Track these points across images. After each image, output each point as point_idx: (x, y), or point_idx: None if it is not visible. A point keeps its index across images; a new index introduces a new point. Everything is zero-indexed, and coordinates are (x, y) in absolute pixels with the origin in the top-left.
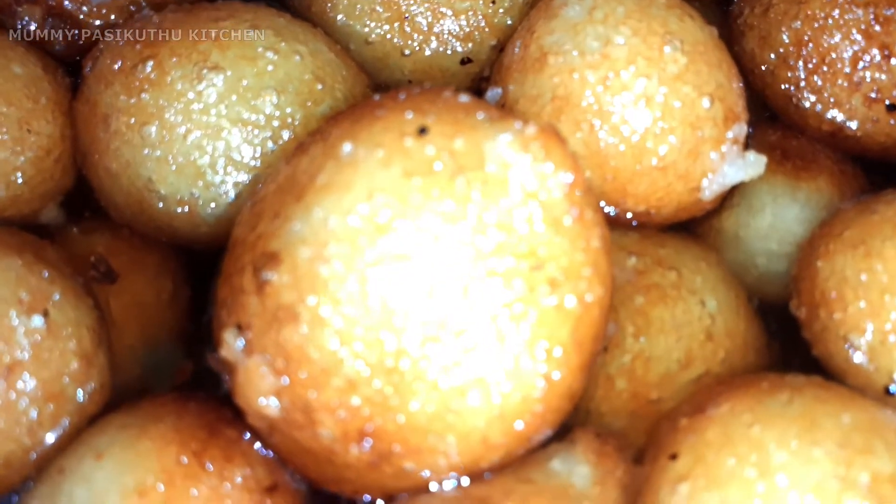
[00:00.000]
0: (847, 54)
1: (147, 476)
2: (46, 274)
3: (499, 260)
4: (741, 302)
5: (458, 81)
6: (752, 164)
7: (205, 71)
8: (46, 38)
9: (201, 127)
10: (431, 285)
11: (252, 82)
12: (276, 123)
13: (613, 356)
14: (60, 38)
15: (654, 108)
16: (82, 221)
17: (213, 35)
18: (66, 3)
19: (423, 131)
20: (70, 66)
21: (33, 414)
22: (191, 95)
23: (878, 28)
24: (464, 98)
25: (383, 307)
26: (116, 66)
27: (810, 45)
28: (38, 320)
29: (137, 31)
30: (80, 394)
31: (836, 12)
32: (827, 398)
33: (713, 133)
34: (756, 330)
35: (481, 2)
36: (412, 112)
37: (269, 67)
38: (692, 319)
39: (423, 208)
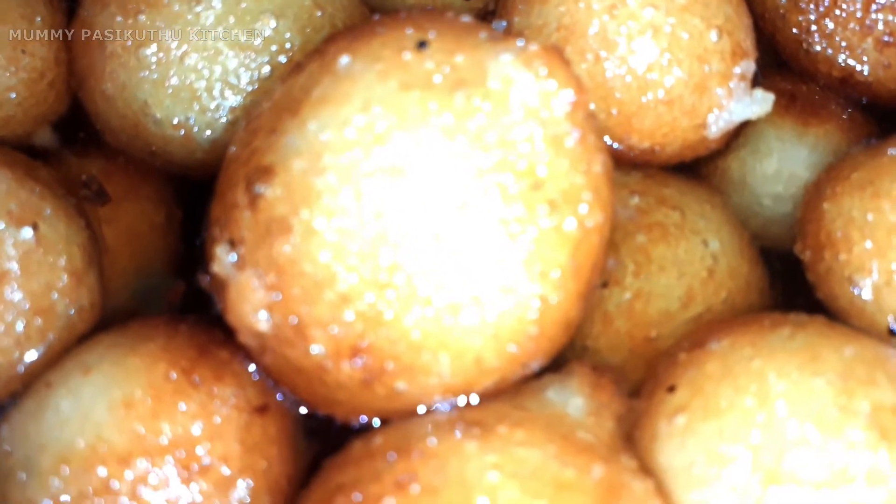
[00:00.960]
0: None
1: (135, 390)
2: (37, 190)
3: (497, 177)
4: (745, 244)
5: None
6: (760, 102)
7: None
8: None
9: (198, 50)
10: (428, 199)
11: (250, 5)
12: (273, 48)
13: (612, 293)
14: None
15: (660, 38)
16: (77, 146)
17: None
18: None
19: (422, 45)
20: None
21: (20, 326)
22: (189, 17)
23: None
24: (466, 18)
25: (378, 220)
26: None
27: None
28: (27, 232)
29: None
30: (69, 310)
31: None
32: (830, 334)
33: (720, 68)
34: (759, 271)
35: None
36: (412, 28)
37: None
38: (694, 259)
39: (421, 121)
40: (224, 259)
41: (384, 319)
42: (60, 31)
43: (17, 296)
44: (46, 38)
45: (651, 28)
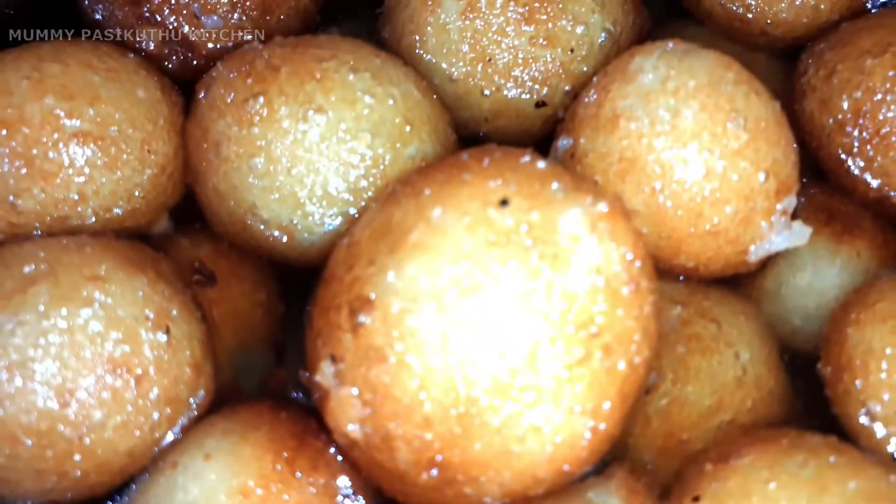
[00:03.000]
0: None
1: (248, 480)
2: (166, 292)
3: (561, 327)
4: (773, 356)
5: (531, 122)
6: (798, 235)
7: (310, 113)
8: (163, 58)
9: (303, 163)
10: (503, 345)
11: (350, 125)
12: (368, 163)
13: (652, 399)
14: (175, 59)
15: (712, 179)
16: (188, 231)
17: (318, 76)
18: (185, 27)
19: (504, 203)
20: (181, 83)
21: (155, 416)
22: (296, 134)
23: None
24: (541, 165)
25: (460, 361)
26: (229, 99)
27: (868, 115)
28: (161, 336)
29: (248, 65)
30: (191, 399)
31: None
32: (837, 463)
33: (765, 205)
34: (783, 383)
35: (560, 50)
36: (495, 181)
37: (366, 111)
38: (726, 370)
39: (501, 277)
40: (327, 373)
41: (459, 442)
42: (179, 128)
43: (154, 393)
44: (167, 138)
45: (705, 169)
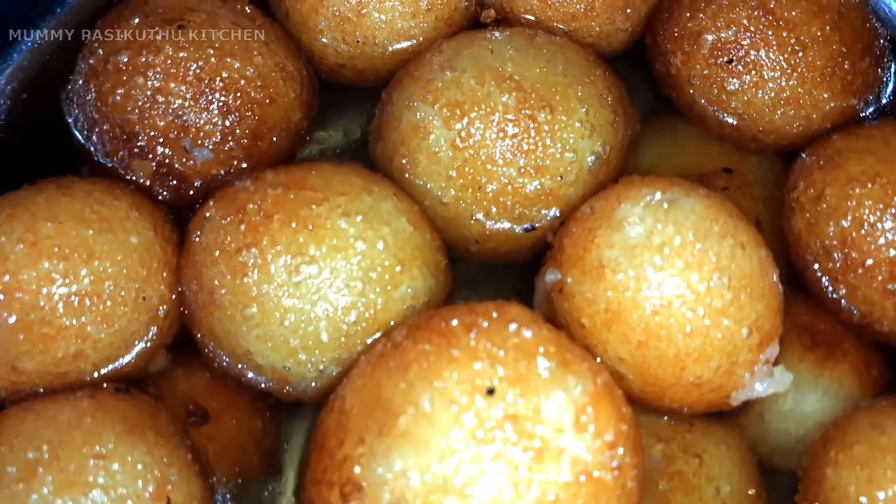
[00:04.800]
0: (886, 265)
1: None
2: (165, 458)
3: None
4: (752, 484)
5: (520, 245)
6: (780, 382)
7: (303, 266)
8: (155, 189)
9: (295, 313)
10: None
11: (342, 275)
12: (360, 309)
13: None
14: (167, 190)
15: (696, 337)
16: (182, 360)
17: (310, 226)
18: (176, 162)
19: (491, 392)
20: (175, 208)
21: None
22: (288, 286)
23: None
24: (527, 334)
25: None
26: (222, 246)
27: (853, 245)
28: None
29: (241, 211)
30: None
31: (885, 223)
32: None
33: (748, 358)
34: None
35: (548, 177)
36: (482, 361)
37: (357, 259)
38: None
39: (488, 472)
40: None
41: None
42: (174, 267)
43: None
44: (162, 279)
45: (689, 327)
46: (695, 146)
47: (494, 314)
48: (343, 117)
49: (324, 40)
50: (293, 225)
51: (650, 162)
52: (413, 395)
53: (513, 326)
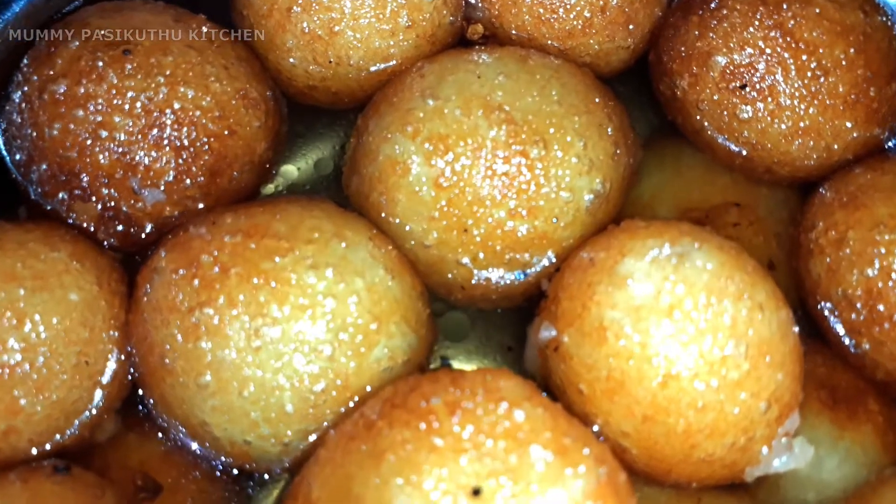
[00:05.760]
0: None
1: None
2: None
3: None
4: None
5: (511, 291)
6: (799, 457)
7: (264, 328)
8: (101, 234)
9: (256, 382)
10: None
11: (309, 335)
12: (330, 375)
13: None
14: (114, 234)
15: (708, 412)
16: (134, 423)
17: (272, 284)
18: (123, 204)
19: (477, 493)
20: (125, 252)
21: None
22: (248, 352)
23: None
24: (519, 417)
25: None
26: (173, 304)
27: (880, 297)
28: None
29: (195, 263)
30: None
31: None
32: None
33: (765, 432)
34: None
35: (542, 219)
36: (467, 454)
37: (327, 318)
38: None
39: None
40: None
41: None
42: (121, 323)
43: None
44: (108, 338)
45: (701, 401)
46: (701, 176)
47: (481, 391)
48: (314, 144)
49: (292, 60)
50: (254, 281)
51: (652, 192)
52: (387, 493)
53: (503, 407)
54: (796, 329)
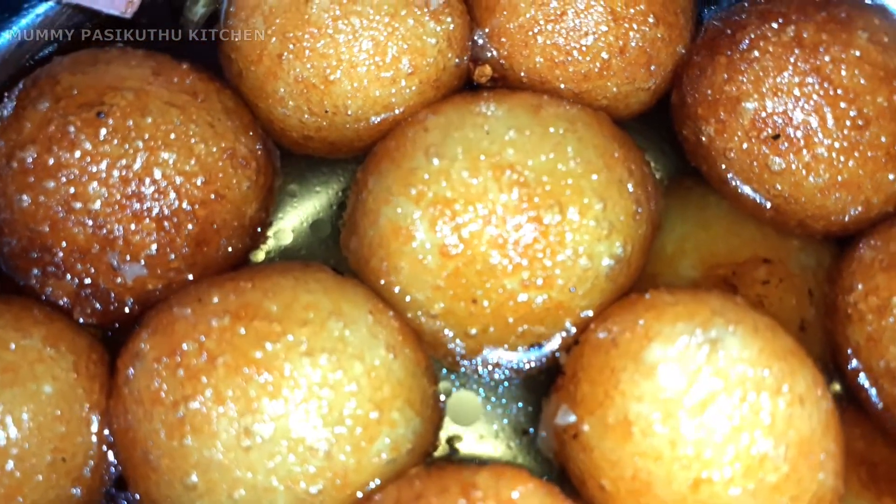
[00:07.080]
0: None
1: None
2: None
3: None
4: None
5: (525, 366)
6: None
7: (255, 426)
8: (79, 312)
9: (246, 484)
10: None
11: (304, 432)
12: (328, 475)
13: None
14: (93, 312)
15: None
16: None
17: (264, 373)
18: (101, 281)
19: None
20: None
21: None
22: (237, 452)
23: None
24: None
25: None
26: (156, 396)
27: None
28: None
29: (178, 351)
30: None
31: None
32: None
33: None
34: None
35: (558, 289)
36: None
37: (324, 410)
38: None
39: None
40: None
41: None
42: (103, 409)
43: None
44: (87, 429)
45: None
46: (727, 228)
47: (493, 495)
48: (309, 200)
49: (284, 110)
50: (243, 371)
51: (675, 245)
52: None
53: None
54: (838, 419)
